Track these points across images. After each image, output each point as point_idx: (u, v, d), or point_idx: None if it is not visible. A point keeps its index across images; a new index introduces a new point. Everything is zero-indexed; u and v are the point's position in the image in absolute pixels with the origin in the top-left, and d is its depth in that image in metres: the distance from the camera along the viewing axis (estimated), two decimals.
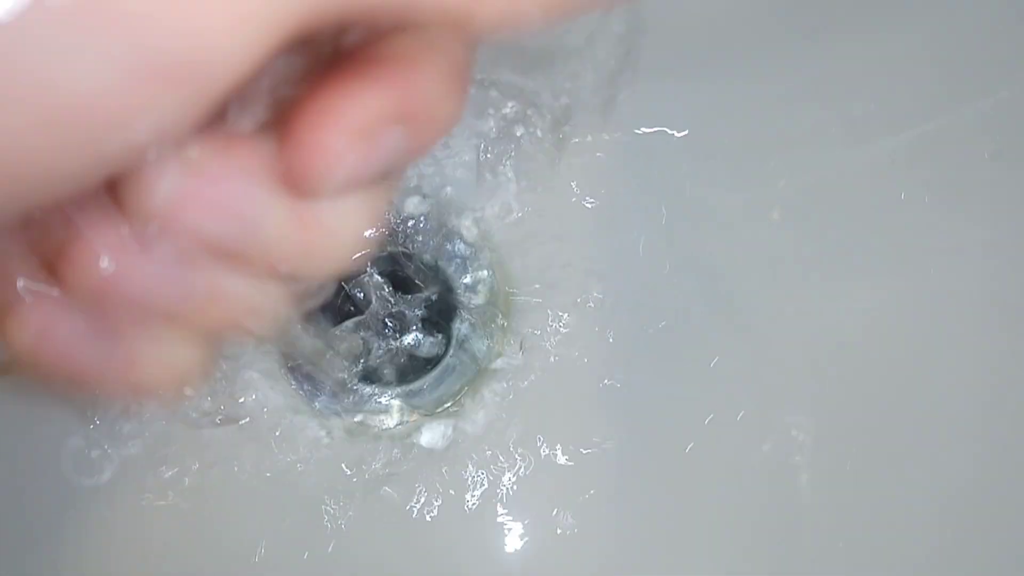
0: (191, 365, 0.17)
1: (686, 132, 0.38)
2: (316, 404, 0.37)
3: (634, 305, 0.38)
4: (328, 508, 0.36)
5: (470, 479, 0.37)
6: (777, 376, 0.37)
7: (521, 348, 0.38)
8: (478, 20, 0.13)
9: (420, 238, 0.38)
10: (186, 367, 0.17)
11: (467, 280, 0.38)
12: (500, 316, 0.38)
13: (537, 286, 0.38)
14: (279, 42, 0.12)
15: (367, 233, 0.16)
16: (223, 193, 0.14)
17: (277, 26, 0.12)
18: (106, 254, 0.15)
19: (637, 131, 0.38)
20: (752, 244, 0.38)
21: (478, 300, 0.38)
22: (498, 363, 0.38)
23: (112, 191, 0.15)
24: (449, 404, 0.38)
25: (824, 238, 0.38)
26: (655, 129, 0.38)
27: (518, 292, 0.38)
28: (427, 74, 0.14)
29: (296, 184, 0.14)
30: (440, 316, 0.39)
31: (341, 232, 0.16)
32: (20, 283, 0.16)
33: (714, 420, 0.37)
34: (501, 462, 0.37)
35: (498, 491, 0.37)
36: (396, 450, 0.37)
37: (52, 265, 0.16)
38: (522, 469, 0.37)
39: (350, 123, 0.14)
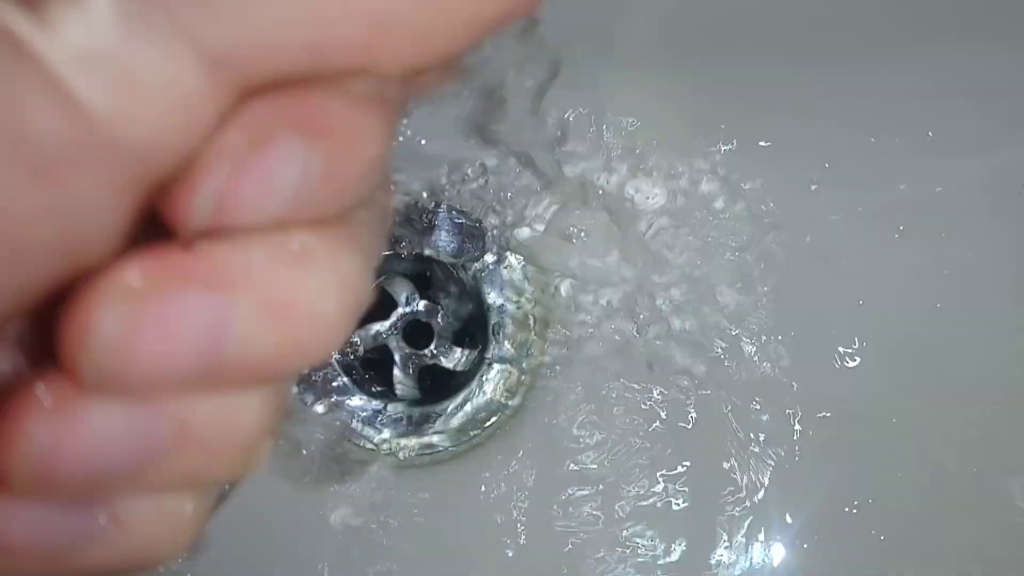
0: (187, 517, 0.14)
1: None
2: None
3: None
4: None
5: None
6: None
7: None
8: (381, 61, 0.12)
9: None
10: (182, 520, 0.14)
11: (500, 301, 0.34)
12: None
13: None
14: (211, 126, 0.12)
15: (357, 303, 0.14)
16: (181, 315, 0.12)
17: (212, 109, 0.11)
18: (39, 422, 0.12)
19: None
20: None
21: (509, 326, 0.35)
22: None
23: (38, 342, 0.13)
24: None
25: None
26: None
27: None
28: (330, 93, 0.13)
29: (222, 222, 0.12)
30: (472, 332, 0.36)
31: (322, 310, 0.13)
32: None
33: None
34: None
35: None
36: None
37: None
38: None
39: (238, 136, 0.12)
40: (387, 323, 0.36)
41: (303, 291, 0.13)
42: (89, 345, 0.12)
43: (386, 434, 0.34)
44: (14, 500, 0.13)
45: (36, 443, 0.12)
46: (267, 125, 0.12)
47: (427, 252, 0.34)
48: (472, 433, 0.34)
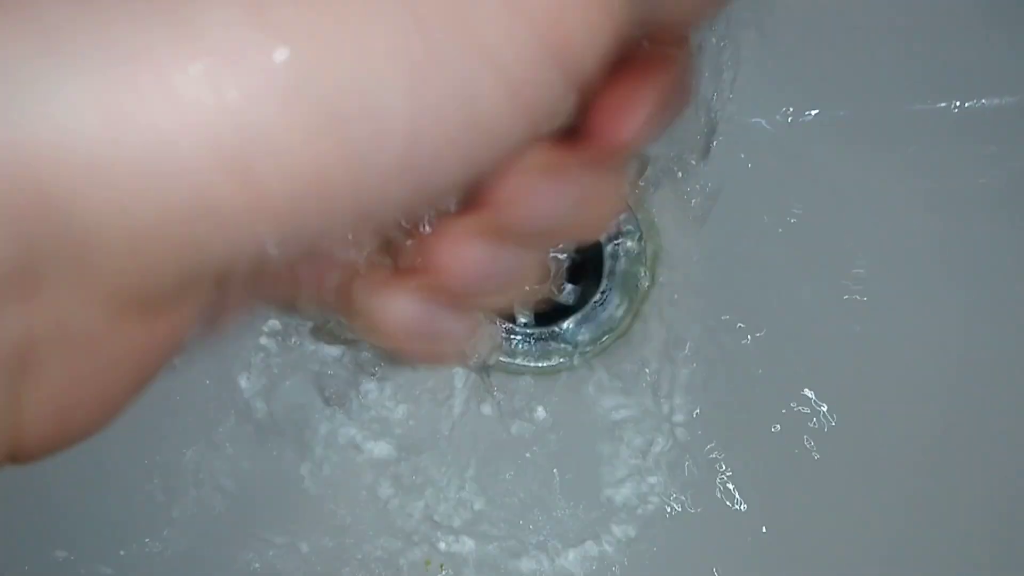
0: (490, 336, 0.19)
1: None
2: None
3: None
4: None
5: None
6: None
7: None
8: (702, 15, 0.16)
9: None
10: (488, 338, 0.19)
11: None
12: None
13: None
14: (623, 33, 0.14)
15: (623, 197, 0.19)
16: (564, 187, 0.17)
17: (626, 15, 0.14)
18: (465, 241, 0.17)
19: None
20: None
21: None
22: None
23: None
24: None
25: None
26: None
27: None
28: (675, 71, 0.17)
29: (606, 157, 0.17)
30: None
31: (614, 196, 0.18)
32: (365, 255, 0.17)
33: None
34: None
35: None
36: None
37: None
38: None
39: (643, 112, 0.17)
40: None
41: (606, 182, 0.17)
42: (512, 190, 0.16)
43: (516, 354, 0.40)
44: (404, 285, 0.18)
45: (464, 253, 0.17)
46: None
47: None
48: (587, 350, 0.41)
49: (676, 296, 0.40)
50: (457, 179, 0.14)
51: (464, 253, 0.17)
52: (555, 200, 0.16)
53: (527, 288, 0.19)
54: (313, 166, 0.13)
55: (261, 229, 0.13)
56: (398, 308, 0.18)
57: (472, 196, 0.17)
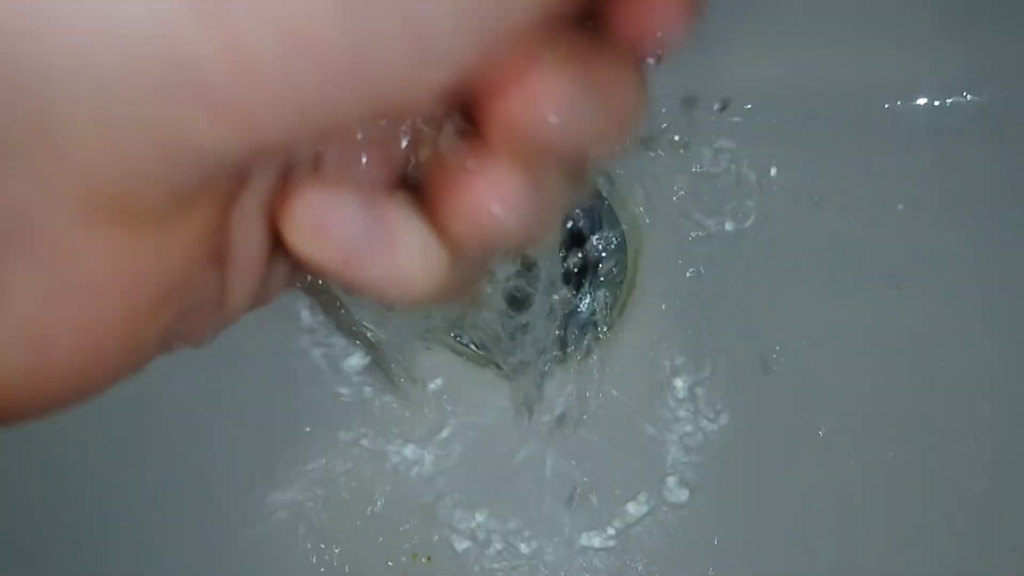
0: (447, 270, 0.16)
1: None
2: None
3: None
4: None
5: None
6: None
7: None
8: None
9: None
10: (443, 269, 0.16)
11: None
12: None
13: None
14: None
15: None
16: (584, 80, 0.15)
17: None
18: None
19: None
20: None
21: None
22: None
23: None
24: None
25: None
26: None
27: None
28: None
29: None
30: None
31: (638, 93, 0.16)
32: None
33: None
34: None
35: None
36: None
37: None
38: None
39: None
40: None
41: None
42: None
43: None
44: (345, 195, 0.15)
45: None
46: None
47: None
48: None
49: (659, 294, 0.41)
50: (472, 47, 0.12)
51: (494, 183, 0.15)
52: (574, 96, 0.14)
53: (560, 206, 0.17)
54: (301, 17, 0.11)
55: (254, 110, 0.12)
56: (315, 207, 0.15)
57: (486, 105, 0.15)
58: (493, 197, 0.15)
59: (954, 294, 0.40)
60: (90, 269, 0.13)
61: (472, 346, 0.40)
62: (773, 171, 0.40)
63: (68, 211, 0.12)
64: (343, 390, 0.39)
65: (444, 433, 0.39)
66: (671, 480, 0.39)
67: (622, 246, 0.41)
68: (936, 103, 0.40)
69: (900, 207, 0.40)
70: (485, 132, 0.15)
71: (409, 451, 0.38)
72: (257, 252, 0.17)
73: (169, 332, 0.15)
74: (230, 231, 0.16)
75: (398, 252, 0.16)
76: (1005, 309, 0.39)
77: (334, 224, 0.15)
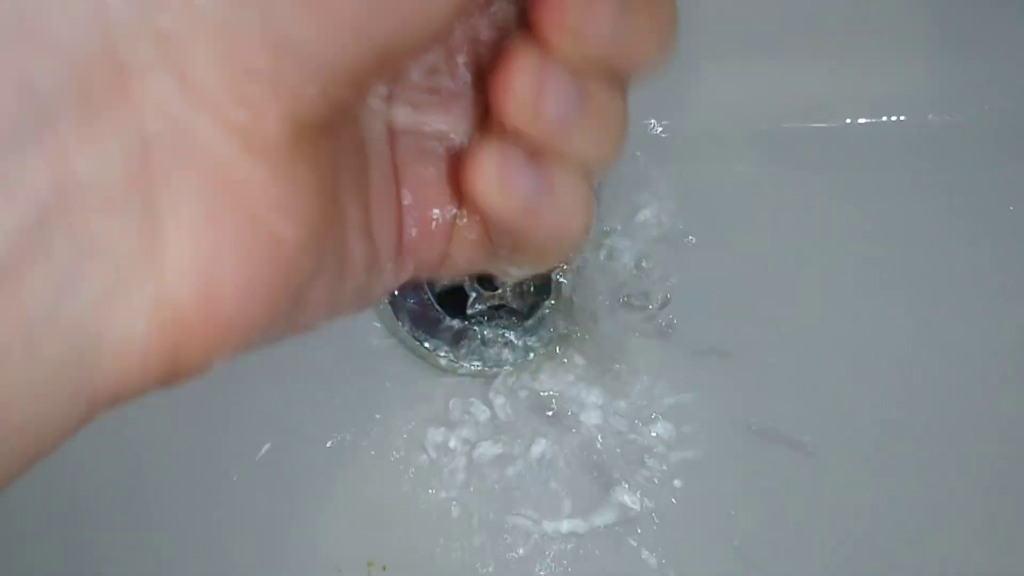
0: (586, 194, 0.18)
1: None
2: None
3: None
4: None
5: None
6: None
7: None
8: None
9: None
10: (585, 196, 0.18)
11: None
12: None
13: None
14: None
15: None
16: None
17: None
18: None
19: None
20: None
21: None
22: None
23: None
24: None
25: None
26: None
27: None
28: None
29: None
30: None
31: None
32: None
33: None
34: None
35: None
36: None
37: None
38: None
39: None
40: None
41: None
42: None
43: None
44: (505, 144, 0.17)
45: (527, 83, 0.16)
46: None
47: None
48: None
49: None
50: None
51: (536, 81, 0.16)
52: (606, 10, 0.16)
53: (610, 129, 0.18)
54: None
55: (346, 12, 0.13)
56: (504, 166, 0.17)
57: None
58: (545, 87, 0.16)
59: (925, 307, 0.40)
60: (246, 196, 0.14)
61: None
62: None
63: (212, 114, 0.13)
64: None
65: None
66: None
67: None
68: (903, 119, 0.40)
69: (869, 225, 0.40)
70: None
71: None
72: (387, 208, 0.18)
73: (300, 293, 0.16)
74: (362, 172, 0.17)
75: (559, 197, 0.18)
76: (975, 324, 0.39)
77: (516, 176, 0.17)
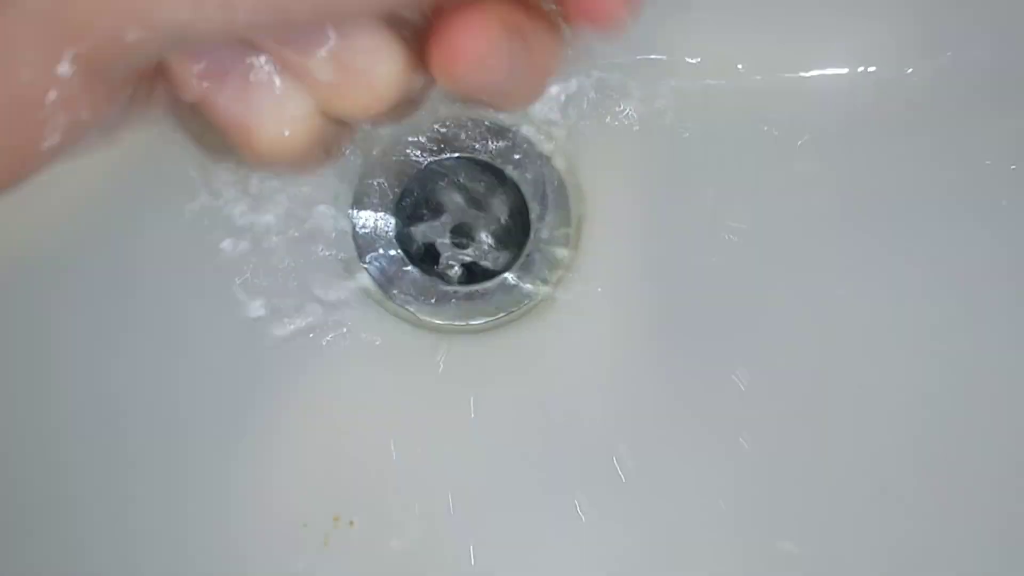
0: (311, 128, 0.19)
1: None
2: None
3: None
4: None
5: None
6: None
7: None
8: None
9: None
10: (304, 127, 0.19)
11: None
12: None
13: None
14: None
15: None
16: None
17: None
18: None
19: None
20: None
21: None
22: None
23: None
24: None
25: None
26: None
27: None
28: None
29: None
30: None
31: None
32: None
33: None
34: None
35: None
36: None
37: None
38: None
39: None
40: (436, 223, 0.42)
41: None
42: None
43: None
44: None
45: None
46: None
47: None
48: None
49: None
50: None
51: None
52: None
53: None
54: None
55: None
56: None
57: None
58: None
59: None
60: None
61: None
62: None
63: None
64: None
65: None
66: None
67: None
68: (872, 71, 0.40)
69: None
70: None
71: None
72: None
73: None
74: None
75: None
76: (958, 290, 0.39)
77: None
